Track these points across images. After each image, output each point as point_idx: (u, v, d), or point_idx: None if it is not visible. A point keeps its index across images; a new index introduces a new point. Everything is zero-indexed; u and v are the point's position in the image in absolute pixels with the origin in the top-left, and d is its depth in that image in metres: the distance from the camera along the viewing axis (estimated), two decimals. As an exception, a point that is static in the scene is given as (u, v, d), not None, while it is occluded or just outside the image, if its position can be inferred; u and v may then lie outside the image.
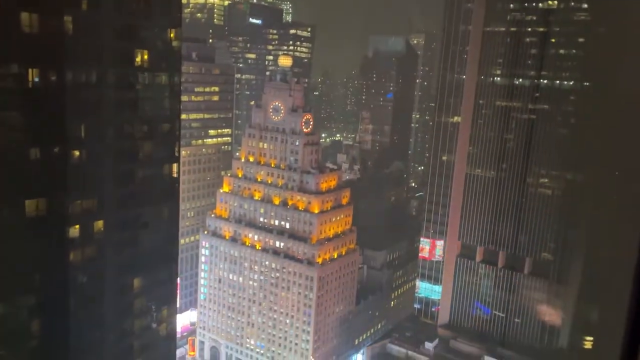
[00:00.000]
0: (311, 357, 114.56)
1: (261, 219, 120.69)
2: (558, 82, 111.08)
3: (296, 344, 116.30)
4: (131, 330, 56.46)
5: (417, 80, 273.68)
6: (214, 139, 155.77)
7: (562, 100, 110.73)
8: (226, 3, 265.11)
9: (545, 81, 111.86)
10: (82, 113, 48.56)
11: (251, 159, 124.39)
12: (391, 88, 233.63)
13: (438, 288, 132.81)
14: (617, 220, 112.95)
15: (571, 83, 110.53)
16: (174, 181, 59.24)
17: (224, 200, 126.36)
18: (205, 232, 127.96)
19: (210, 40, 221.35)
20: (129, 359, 56.45)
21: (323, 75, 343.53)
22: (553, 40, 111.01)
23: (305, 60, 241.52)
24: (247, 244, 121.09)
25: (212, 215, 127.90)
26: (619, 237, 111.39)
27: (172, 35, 55.56)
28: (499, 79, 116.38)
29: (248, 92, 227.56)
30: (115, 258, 52.91)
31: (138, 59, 52.79)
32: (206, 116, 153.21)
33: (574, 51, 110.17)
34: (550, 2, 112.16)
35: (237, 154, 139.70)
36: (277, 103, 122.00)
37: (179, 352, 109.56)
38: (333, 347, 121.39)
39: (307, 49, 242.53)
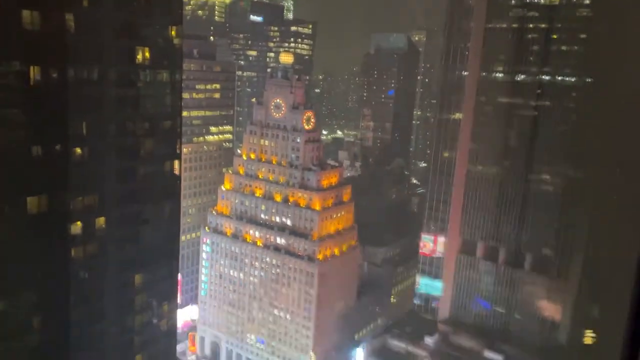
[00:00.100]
0: (311, 352, 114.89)
1: (262, 216, 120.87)
2: (560, 78, 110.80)
3: (297, 339, 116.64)
4: (132, 325, 56.74)
5: (419, 77, 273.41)
6: (215, 136, 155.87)
7: (564, 96, 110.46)
8: (227, 0, 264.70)
9: (547, 78, 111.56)
10: (84, 110, 48.67)
11: (252, 156, 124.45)
12: (392, 85, 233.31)
13: (438, 284, 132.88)
14: (619, 217, 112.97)
15: (573, 80, 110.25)
16: (175, 178, 59.37)
17: (226, 197, 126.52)
18: (207, 229, 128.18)
19: (212, 38, 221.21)
20: (130, 354, 56.71)
21: (324, 72, 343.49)
22: (555, 36, 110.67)
23: (307, 57, 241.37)
24: (248, 240, 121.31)
25: (214, 212, 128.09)
26: (620, 234, 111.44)
27: (173, 32, 55.60)
28: (500, 75, 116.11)
29: (249, 89, 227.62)
30: (116, 254, 53.10)
31: (139, 56, 52.86)
32: (207, 113, 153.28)
33: (576, 48, 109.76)
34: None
35: (239, 151, 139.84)
36: (278, 100, 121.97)
37: (179, 347, 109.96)
38: (333, 342, 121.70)
39: (308, 46, 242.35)
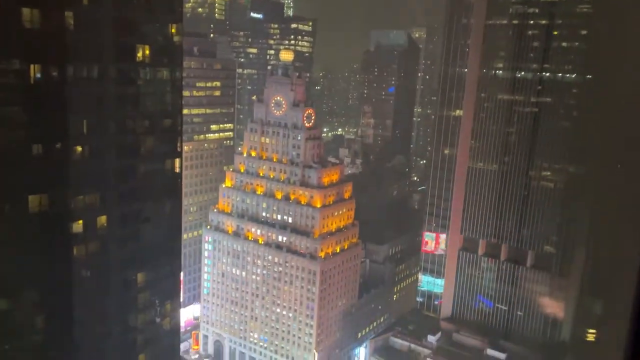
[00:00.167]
0: (314, 350, 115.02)
1: (264, 214, 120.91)
2: (560, 75, 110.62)
3: (299, 337, 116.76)
4: (135, 324, 56.76)
5: (419, 74, 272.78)
6: (216, 134, 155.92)
7: (565, 93, 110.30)
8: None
9: (548, 74, 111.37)
10: (84, 109, 48.63)
11: (253, 154, 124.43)
12: (393, 82, 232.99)
13: (440, 281, 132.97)
14: (620, 213, 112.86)
15: (574, 76, 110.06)
16: (176, 176, 59.33)
17: (227, 195, 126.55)
18: (208, 227, 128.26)
19: (212, 35, 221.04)
20: (133, 353, 56.76)
21: (324, 70, 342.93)
22: (555, 33, 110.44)
23: (307, 54, 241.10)
24: (249, 238, 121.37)
25: (215, 210, 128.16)
26: (621, 230, 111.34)
27: (173, 30, 55.50)
28: (501, 72, 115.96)
29: (250, 87, 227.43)
30: (118, 253, 53.10)
31: (139, 54, 52.78)
32: (208, 111, 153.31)
33: (576, 44, 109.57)
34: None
35: (239, 148, 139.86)
36: (278, 98, 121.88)
37: (182, 346, 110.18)
38: (336, 340, 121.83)
39: (309, 43, 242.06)
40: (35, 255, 45.29)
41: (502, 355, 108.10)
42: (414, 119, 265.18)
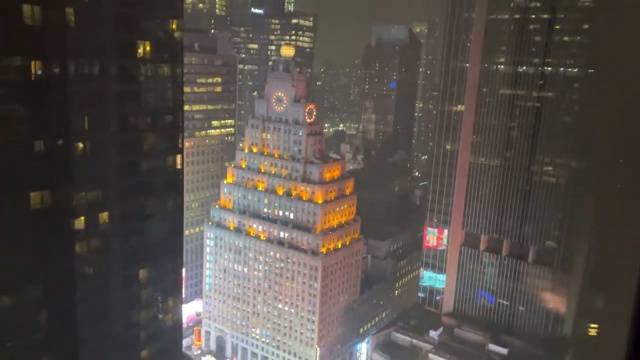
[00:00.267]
0: (316, 345, 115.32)
1: (265, 210, 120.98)
2: (562, 69, 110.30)
3: (301, 333, 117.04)
4: (137, 320, 56.89)
5: (421, 69, 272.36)
6: (217, 130, 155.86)
7: (567, 87, 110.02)
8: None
9: (550, 69, 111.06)
10: (85, 105, 48.62)
11: (254, 150, 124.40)
12: (394, 77, 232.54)
13: (442, 277, 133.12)
14: (622, 208, 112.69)
15: (575, 70, 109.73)
16: (177, 172, 59.32)
17: (228, 191, 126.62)
18: (210, 223, 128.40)
19: (212, 31, 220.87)
20: (135, 349, 56.93)
21: (326, 65, 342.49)
22: (557, 27, 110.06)
23: (308, 50, 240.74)
24: (251, 234, 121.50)
25: (217, 206, 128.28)
26: (623, 225, 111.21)
27: (173, 26, 55.38)
28: (502, 66, 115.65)
29: (251, 83, 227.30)
30: (120, 249, 53.18)
31: (140, 50, 52.70)
32: (209, 107, 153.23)
33: (578, 38, 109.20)
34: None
35: (241, 144, 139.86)
36: (279, 93, 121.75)
37: (185, 342, 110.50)
38: (338, 335, 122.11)
39: (310, 39, 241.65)
40: (38, 252, 45.39)
41: (504, 350, 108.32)
42: (416, 114, 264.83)
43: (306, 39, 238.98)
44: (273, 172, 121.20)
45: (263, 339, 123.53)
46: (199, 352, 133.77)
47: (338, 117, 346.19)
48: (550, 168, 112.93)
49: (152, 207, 57.07)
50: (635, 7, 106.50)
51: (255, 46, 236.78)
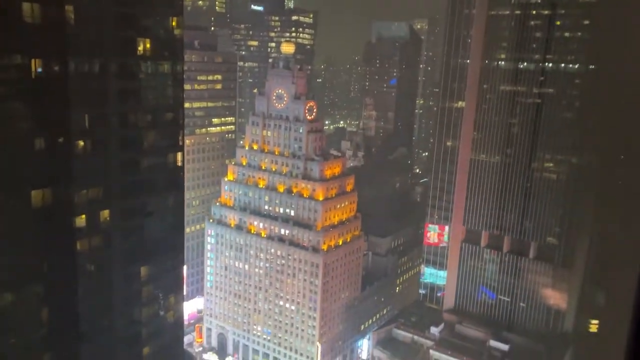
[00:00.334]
0: (317, 342, 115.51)
1: (266, 207, 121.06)
2: (563, 65, 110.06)
3: (302, 330, 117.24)
4: (139, 318, 56.97)
5: (421, 66, 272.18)
6: (218, 128, 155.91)
7: (568, 83, 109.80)
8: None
9: (550, 65, 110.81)
10: (86, 103, 48.58)
11: (255, 147, 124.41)
12: (395, 74, 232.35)
13: (443, 273, 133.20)
14: (622, 204, 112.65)
15: (576, 66, 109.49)
16: (178, 170, 59.31)
17: (229, 189, 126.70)
18: (211, 221, 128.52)
19: (212, 28, 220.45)
20: (137, 346, 57.05)
21: (326, 62, 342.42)
22: (558, 23, 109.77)
23: (308, 46, 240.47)
24: (252, 231, 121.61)
25: (217, 204, 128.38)
26: (624, 222, 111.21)
27: (174, 23, 55.28)
28: (503, 63, 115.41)
29: (251, 80, 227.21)
30: (121, 247, 53.23)
31: (140, 47, 52.63)
32: (209, 105, 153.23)
33: (579, 34, 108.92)
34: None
35: (241, 142, 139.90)
36: (280, 90, 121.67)
37: (186, 339, 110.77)
38: (339, 332, 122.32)
39: (310, 36, 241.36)
40: (39, 250, 45.46)
41: (505, 347, 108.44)
42: (416, 110, 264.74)
43: (306, 36, 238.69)
44: (274, 170, 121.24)
45: (264, 336, 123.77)
46: (201, 349, 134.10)
47: (338, 114, 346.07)
48: (551, 164, 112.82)
49: (152, 204, 57.09)
50: (636, 2, 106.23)
51: (255, 43, 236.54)
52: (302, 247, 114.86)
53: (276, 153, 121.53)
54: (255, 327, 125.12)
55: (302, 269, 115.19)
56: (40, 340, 47.44)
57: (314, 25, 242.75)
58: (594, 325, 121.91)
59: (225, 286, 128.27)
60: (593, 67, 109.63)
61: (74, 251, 48.67)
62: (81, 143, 48.34)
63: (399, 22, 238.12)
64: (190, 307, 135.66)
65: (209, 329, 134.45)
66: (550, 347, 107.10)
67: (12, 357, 45.33)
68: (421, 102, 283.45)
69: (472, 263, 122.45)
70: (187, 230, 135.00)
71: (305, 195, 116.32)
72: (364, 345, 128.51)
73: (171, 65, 56.03)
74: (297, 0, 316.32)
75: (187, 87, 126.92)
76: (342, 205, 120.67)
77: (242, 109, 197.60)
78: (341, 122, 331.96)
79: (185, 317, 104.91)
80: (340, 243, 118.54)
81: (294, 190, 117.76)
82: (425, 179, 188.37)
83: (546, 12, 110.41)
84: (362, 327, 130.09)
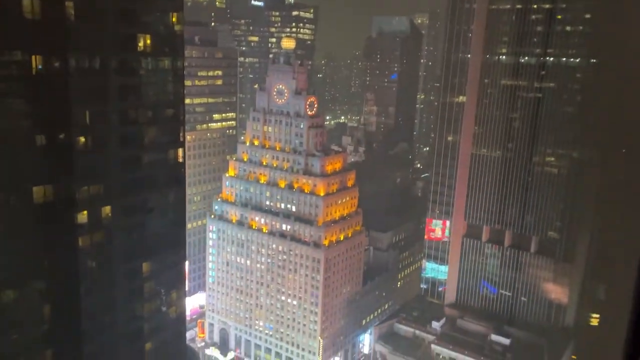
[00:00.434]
0: (319, 337, 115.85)
1: (267, 203, 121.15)
2: (564, 59, 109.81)
3: (304, 325, 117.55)
4: (141, 313, 57.15)
5: (422, 61, 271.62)
6: (219, 123, 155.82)
7: (569, 77, 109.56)
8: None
9: (551, 59, 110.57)
10: (86, 99, 48.58)
11: (256, 143, 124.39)
12: (395, 69, 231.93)
13: (444, 268, 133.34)
14: (624, 198, 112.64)
15: (577, 60, 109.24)
16: (179, 166, 59.36)
17: (230, 185, 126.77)
18: (212, 216, 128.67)
19: (213, 24, 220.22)
20: (139, 341, 57.27)
21: (326, 57, 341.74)
22: (559, 17, 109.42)
23: (309, 42, 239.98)
24: (253, 227, 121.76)
25: (219, 200, 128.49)
26: (625, 216, 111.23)
27: (174, 19, 55.18)
28: (504, 57, 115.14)
29: (251, 76, 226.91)
30: (123, 243, 53.34)
31: (140, 43, 52.54)
32: (210, 100, 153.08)
33: (580, 28, 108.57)
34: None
35: (242, 137, 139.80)
36: (280, 86, 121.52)
37: (188, 334, 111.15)
38: (341, 327, 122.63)
39: (310, 31, 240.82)
40: (41, 246, 45.58)
41: (506, 341, 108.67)
42: (417, 105, 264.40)
43: (307, 31, 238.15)
44: (275, 165, 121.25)
45: (266, 331, 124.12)
46: (203, 344, 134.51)
47: (339, 109, 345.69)
48: (552, 159, 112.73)
49: (154, 200, 57.16)
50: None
51: (255, 39, 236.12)
52: (304, 242, 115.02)
53: (277, 149, 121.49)
54: (257, 322, 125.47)
55: (303, 264, 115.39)
56: (43, 336, 47.62)
57: (315, 21, 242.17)
58: (594, 319, 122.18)
59: (227, 282, 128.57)
60: (594, 61, 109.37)
61: (76, 247, 48.78)
62: (82, 139, 48.38)
63: (399, 16, 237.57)
64: (192, 303, 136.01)
65: (211, 324, 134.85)
66: (551, 341, 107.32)
67: (15, 354, 45.55)
68: (422, 96, 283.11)
69: (473, 257, 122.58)
70: (189, 226, 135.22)
71: (306, 191, 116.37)
72: (366, 340, 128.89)
73: (171, 61, 55.96)
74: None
75: (187, 83, 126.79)
76: (343, 200, 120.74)
77: (243, 105, 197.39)
78: (342, 117, 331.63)
79: (188, 312, 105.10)
80: (342, 238, 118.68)
81: (295, 185, 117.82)
82: (427, 174, 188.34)
83: (547, 6, 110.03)
84: (364, 321, 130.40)
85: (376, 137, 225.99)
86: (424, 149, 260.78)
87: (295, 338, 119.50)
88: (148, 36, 52.92)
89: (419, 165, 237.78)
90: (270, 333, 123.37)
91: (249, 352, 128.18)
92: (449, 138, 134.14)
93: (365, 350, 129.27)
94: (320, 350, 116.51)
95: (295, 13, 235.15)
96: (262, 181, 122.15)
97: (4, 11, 40.94)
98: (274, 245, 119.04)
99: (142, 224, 56.17)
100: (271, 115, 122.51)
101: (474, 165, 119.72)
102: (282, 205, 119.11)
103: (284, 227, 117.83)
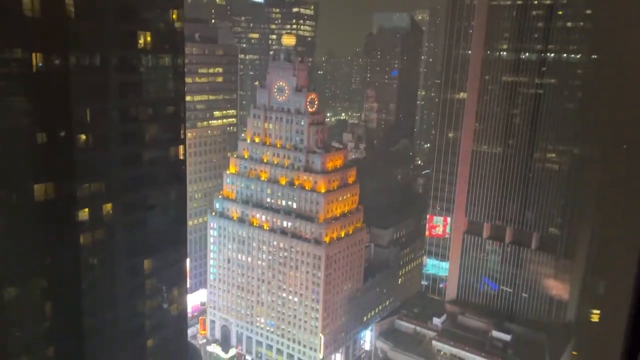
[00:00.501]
0: (320, 334, 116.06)
1: (268, 200, 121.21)
2: (565, 55, 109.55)
3: (305, 321, 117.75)
4: (143, 310, 57.30)
5: (422, 57, 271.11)
6: (219, 121, 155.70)
7: (569, 74, 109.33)
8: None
9: (552, 55, 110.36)
10: (87, 97, 48.60)
11: (257, 140, 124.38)
12: (396, 65, 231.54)
13: (445, 264, 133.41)
14: (624, 194, 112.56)
15: (578, 56, 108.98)
16: (180, 163, 59.42)
17: (231, 182, 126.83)
18: (213, 214, 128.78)
19: (213, 21, 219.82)
20: (141, 338, 57.42)
21: (327, 54, 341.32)
22: (560, 12, 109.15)
23: (309, 38, 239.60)
24: (254, 224, 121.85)
25: (220, 197, 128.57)
26: (625, 212, 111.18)
27: (174, 16, 55.14)
28: (505, 53, 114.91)
29: (252, 73, 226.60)
30: (124, 240, 53.43)
31: (141, 41, 52.53)
32: (210, 97, 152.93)
33: (581, 23, 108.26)
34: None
35: (243, 135, 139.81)
36: (281, 83, 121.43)
37: (190, 331, 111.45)
38: (342, 324, 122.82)
39: (311, 27, 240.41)
40: (42, 244, 45.66)
41: (507, 337, 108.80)
42: (418, 102, 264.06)
43: (307, 27, 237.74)
44: (275, 162, 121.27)
45: (268, 328, 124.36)
46: (204, 341, 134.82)
47: (340, 106, 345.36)
48: (553, 155, 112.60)
49: (155, 198, 57.25)
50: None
51: (256, 35, 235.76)
52: (305, 239, 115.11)
53: (278, 146, 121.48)
54: (258, 319, 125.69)
55: (304, 261, 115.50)
56: (45, 333, 47.76)
57: (315, 17, 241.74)
58: (595, 316, 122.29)
59: (229, 278, 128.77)
60: (595, 57, 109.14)
61: (77, 245, 48.88)
62: (83, 137, 48.41)
63: (400, 13, 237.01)
64: (193, 300, 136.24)
65: (213, 321, 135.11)
66: (552, 338, 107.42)
67: (16, 350, 45.69)
68: (423, 93, 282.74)
69: (474, 254, 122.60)
70: (190, 223, 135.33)
71: (307, 188, 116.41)
72: (367, 337, 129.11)
73: (172, 58, 55.96)
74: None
75: (188, 80, 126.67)
76: (344, 197, 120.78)
77: (244, 102, 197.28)
78: (343, 114, 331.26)
79: (189, 309, 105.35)
80: (343, 235, 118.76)
81: (296, 182, 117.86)
82: (427, 171, 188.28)
83: (548, 1, 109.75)
84: (365, 318, 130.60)
85: (377, 133, 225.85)
86: (425, 146, 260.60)
87: (297, 335, 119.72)
88: (148, 33, 52.91)
89: (419, 162, 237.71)
90: (272, 330, 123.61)
91: (250, 348, 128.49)
92: (450, 134, 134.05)
93: (366, 346, 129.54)
94: (322, 346, 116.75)
95: (295, 10, 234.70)
96: (263, 178, 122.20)
97: (4, 9, 40.92)
98: (275, 242, 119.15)
99: (143, 222, 56.27)
100: (272, 112, 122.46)
101: (474, 162, 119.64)
102: (283, 202, 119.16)
103: (284, 224, 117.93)
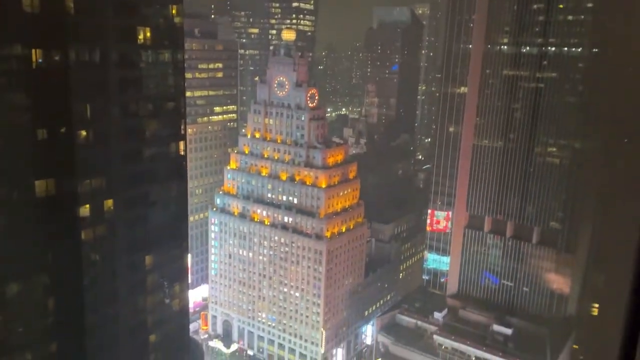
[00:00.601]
0: (322, 328, 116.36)
1: (269, 195, 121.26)
2: (566, 49, 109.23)
3: (307, 316, 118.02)
4: (145, 306, 57.49)
5: (423, 51, 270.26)
6: (220, 116, 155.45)
7: (570, 67, 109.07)
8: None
9: (553, 49, 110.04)
10: (87, 93, 48.58)
11: (257, 135, 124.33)
12: (396, 60, 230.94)
13: (446, 259, 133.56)
14: (625, 188, 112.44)
15: (579, 50, 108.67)
16: (181, 159, 59.46)
17: (232, 177, 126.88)
18: (214, 209, 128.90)
19: (213, 16, 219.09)
20: (143, 334, 57.61)
21: (327, 49, 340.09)
22: (561, 6, 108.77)
23: (309, 33, 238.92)
24: (255, 219, 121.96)
25: (220, 192, 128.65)
26: (626, 206, 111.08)
27: (173, 11, 55.05)
28: (505, 47, 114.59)
29: (252, 68, 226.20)
30: (125, 236, 53.54)
31: (140, 36, 52.46)
32: (211, 93, 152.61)
33: (582, 17, 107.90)
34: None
35: (243, 130, 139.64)
36: (281, 78, 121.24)
37: (192, 326, 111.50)
38: (343, 318, 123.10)
39: (311, 22, 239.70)
40: (44, 240, 45.76)
41: (508, 331, 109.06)
42: (418, 97, 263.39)
43: (307, 22, 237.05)
44: (276, 158, 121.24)
45: (269, 323, 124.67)
46: (206, 336, 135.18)
47: (340, 101, 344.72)
48: (554, 149, 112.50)
49: (156, 193, 57.32)
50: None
51: (256, 31, 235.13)
52: (306, 234, 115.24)
53: (278, 141, 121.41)
54: (260, 314, 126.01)
55: (305, 256, 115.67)
56: (47, 329, 47.92)
57: (315, 12, 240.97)
58: (596, 309, 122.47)
59: (230, 274, 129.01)
60: (596, 50, 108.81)
61: (79, 241, 48.97)
62: (83, 133, 48.43)
63: (400, 7, 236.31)
64: (195, 295, 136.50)
65: (214, 317, 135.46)
66: (552, 331, 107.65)
67: (19, 346, 45.87)
68: (423, 88, 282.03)
69: (475, 248, 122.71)
70: (191, 218, 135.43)
71: (308, 183, 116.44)
72: (368, 331, 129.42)
73: (172, 54, 55.91)
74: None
75: (188, 75, 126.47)
76: (345, 192, 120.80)
77: (244, 97, 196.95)
78: (343, 109, 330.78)
79: (191, 304, 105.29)
80: (344, 230, 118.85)
81: (297, 178, 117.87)
82: (428, 165, 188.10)
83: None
84: (366, 313, 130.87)
85: (377, 128, 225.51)
86: (426, 140, 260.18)
87: (298, 329, 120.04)
88: (148, 29, 52.83)
89: (420, 157, 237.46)
90: (273, 325, 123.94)
91: (252, 343, 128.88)
92: (451, 129, 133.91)
93: (368, 341, 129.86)
94: (323, 341, 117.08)
95: (295, 4, 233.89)
96: (263, 173, 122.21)
97: (4, 5, 40.84)
98: (276, 238, 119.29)
99: (145, 217, 56.37)
100: (272, 107, 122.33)
101: (475, 156, 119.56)
102: (284, 198, 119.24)
103: (285, 219, 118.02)
